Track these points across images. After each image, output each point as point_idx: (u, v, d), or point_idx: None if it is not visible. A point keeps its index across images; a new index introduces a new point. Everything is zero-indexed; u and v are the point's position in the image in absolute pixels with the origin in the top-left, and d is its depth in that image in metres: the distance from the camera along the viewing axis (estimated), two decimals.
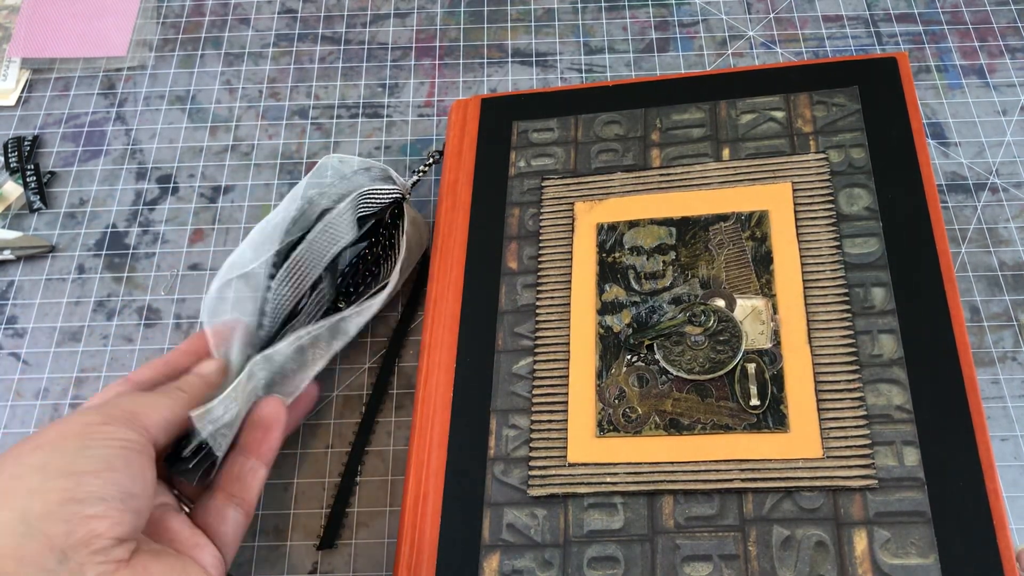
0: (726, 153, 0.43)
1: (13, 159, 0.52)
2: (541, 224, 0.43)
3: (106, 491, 0.31)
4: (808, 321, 0.38)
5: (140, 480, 0.32)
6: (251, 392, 0.39)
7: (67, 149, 0.53)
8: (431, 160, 0.48)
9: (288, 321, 0.43)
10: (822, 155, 0.41)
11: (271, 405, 0.39)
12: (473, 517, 0.37)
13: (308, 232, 0.43)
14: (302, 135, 0.52)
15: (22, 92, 0.55)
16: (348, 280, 0.45)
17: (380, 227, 0.46)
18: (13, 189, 0.51)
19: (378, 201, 0.45)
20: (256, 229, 0.43)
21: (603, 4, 0.56)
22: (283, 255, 0.43)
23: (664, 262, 0.41)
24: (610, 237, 0.42)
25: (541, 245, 0.42)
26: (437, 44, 0.55)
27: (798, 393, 0.36)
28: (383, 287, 0.45)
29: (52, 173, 0.52)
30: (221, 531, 0.36)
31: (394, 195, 0.45)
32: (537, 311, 0.40)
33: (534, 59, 0.54)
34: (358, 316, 0.43)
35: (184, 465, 0.38)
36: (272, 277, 0.42)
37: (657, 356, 0.38)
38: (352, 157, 0.46)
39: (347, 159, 0.46)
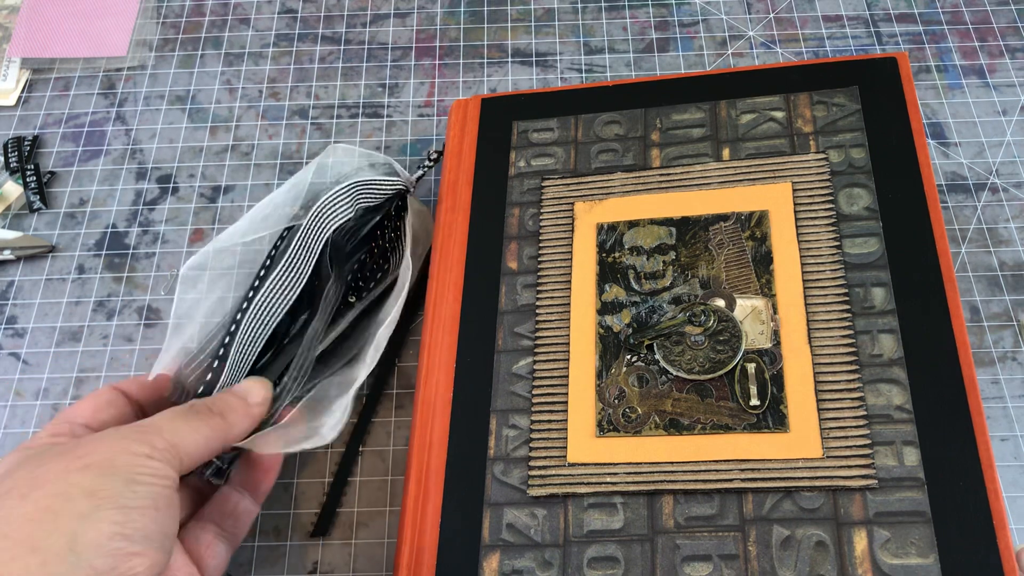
0: (726, 153, 0.43)
1: (13, 159, 0.52)
2: (541, 224, 0.43)
3: (150, 530, 0.30)
4: (808, 321, 0.38)
5: (174, 521, 0.32)
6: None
7: (67, 149, 0.53)
8: (434, 158, 0.48)
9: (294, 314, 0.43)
10: (822, 155, 0.41)
11: None
12: (473, 517, 0.37)
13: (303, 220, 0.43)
14: (302, 135, 0.52)
15: (22, 92, 0.55)
16: (356, 275, 0.45)
17: (385, 220, 0.46)
18: (13, 189, 0.51)
19: (381, 192, 0.44)
20: (256, 211, 0.43)
21: (603, 4, 0.56)
22: (281, 242, 0.43)
23: (664, 262, 0.41)
24: (610, 237, 0.42)
25: (541, 245, 0.42)
26: (437, 44, 0.55)
27: (798, 393, 0.36)
28: (393, 283, 0.45)
29: (52, 173, 0.52)
30: (211, 565, 0.35)
31: (397, 187, 0.45)
32: (537, 311, 0.40)
33: (534, 59, 0.54)
34: (385, 328, 0.41)
35: (209, 470, 0.38)
36: (266, 267, 0.42)
37: (657, 356, 0.38)
38: (355, 148, 0.46)
39: (351, 149, 0.45)
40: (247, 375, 0.40)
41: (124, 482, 0.30)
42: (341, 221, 0.43)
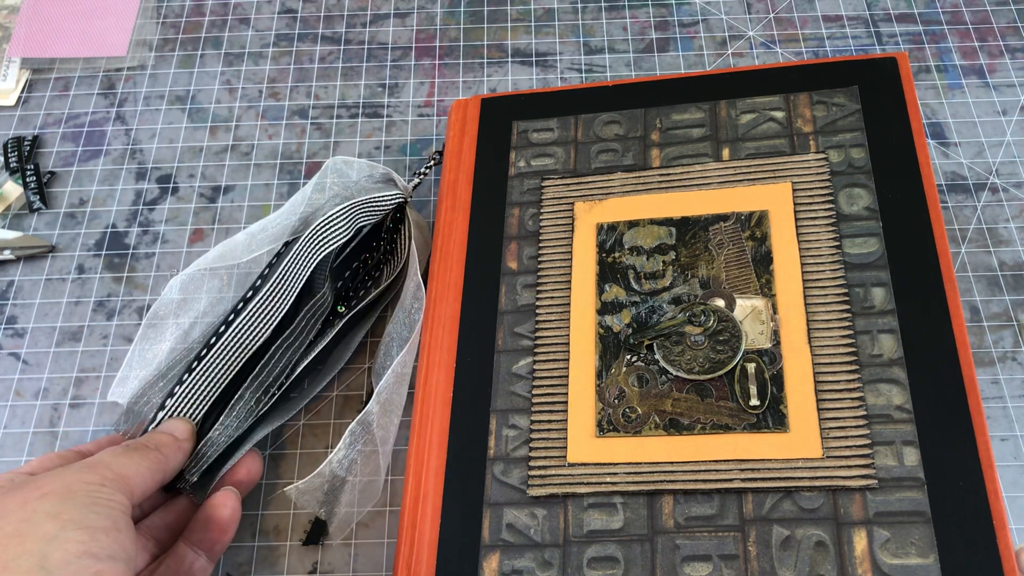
0: (726, 153, 0.43)
1: (13, 159, 0.52)
2: (541, 224, 0.43)
3: (115, 550, 0.31)
4: (808, 321, 0.38)
5: (134, 545, 0.33)
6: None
7: (67, 149, 0.53)
8: (432, 162, 0.48)
9: (280, 329, 0.43)
10: (822, 155, 0.41)
11: (229, 504, 0.38)
12: (473, 517, 0.37)
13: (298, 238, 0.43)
14: (302, 135, 0.52)
15: (22, 92, 0.55)
16: (348, 284, 0.45)
17: (380, 231, 0.46)
18: (13, 189, 0.51)
19: (382, 208, 0.45)
20: (255, 227, 0.44)
21: (603, 4, 0.56)
22: (276, 260, 0.43)
23: (664, 262, 0.41)
24: (610, 237, 0.42)
25: (541, 245, 0.42)
26: (437, 44, 0.55)
27: (798, 393, 0.36)
28: (383, 292, 0.45)
29: (52, 173, 0.52)
30: None
31: (397, 200, 0.45)
32: (537, 311, 0.40)
33: (534, 59, 0.54)
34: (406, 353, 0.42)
35: (186, 484, 0.39)
36: (259, 285, 0.43)
37: (657, 356, 0.38)
38: (355, 159, 0.46)
39: (350, 161, 0.46)
40: (213, 401, 0.41)
41: (84, 505, 0.32)
42: (333, 246, 0.43)
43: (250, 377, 0.41)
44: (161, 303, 0.43)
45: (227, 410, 0.40)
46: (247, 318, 0.41)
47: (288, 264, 0.42)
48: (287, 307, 0.42)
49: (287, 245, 0.43)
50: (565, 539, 0.36)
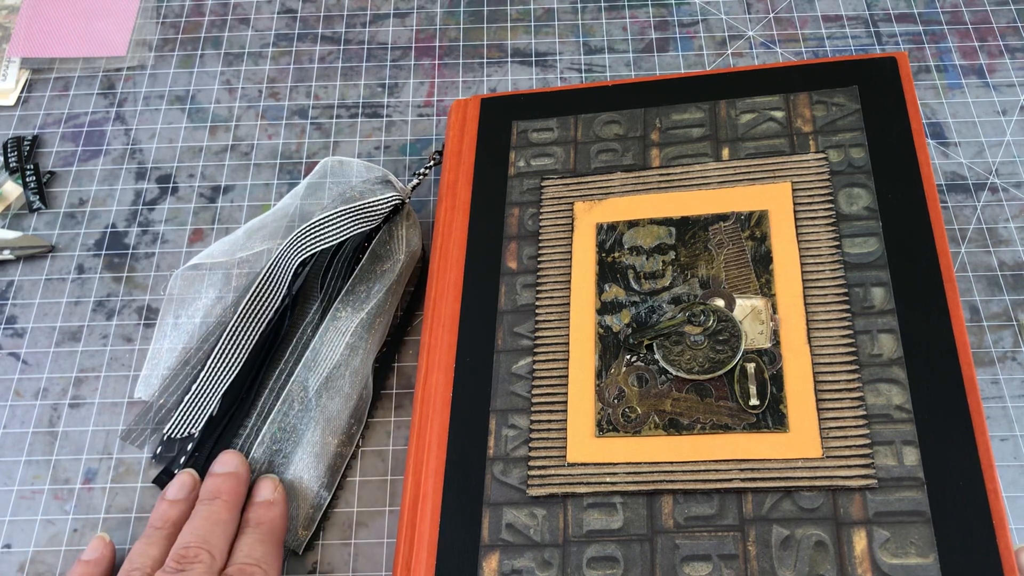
0: (726, 153, 0.43)
1: (13, 159, 0.52)
2: (541, 224, 0.43)
3: None
4: (808, 321, 0.38)
5: None
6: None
7: (67, 149, 0.53)
8: (432, 162, 0.48)
9: (278, 325, 0.44)
10: (822, 155, 0.41)
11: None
12: (472, 517, 0.37)
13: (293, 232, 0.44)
14: (302, 135, 0.52)
15: (22, 92, 0.55)
16: (342, 284, 0.45)
17: (374, 232, 0.46)
18: (13, 189, 0.51)
19: (379, 213, 0.44)
20: (252, 224, 0.44)
21: (603, 4, 0.56)
22: (271, 259, 0.44)
23: (664, 262, 0.41)
24: (610, 237, 0.42)
25: (541, 245, 0.42)
26: (437, 44, 0.55)
27: (798, 393, 0.36)
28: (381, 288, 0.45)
29: (52, 173, 0.52)
30: None
31: (394, 202, 0.45)
32: (537, 311, 0.40)
33: (534, 59, 0.54)
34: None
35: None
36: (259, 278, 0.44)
37: (656, 356, 0.38)
38: (352, 159, 0.46)
39: (347, 161, 0.46)
40: (223, 393, 0.43)
41: None
42: (325, 246, 0.43)
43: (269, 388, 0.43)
44: (167, 300, 0.44)
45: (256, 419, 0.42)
46: (241, 316, 0.43)
47: (278, 262, 0.43)
48: (278, 303, 0.43)
49: (281, 244, 0.44)
50: (565, 539, 0.36)
